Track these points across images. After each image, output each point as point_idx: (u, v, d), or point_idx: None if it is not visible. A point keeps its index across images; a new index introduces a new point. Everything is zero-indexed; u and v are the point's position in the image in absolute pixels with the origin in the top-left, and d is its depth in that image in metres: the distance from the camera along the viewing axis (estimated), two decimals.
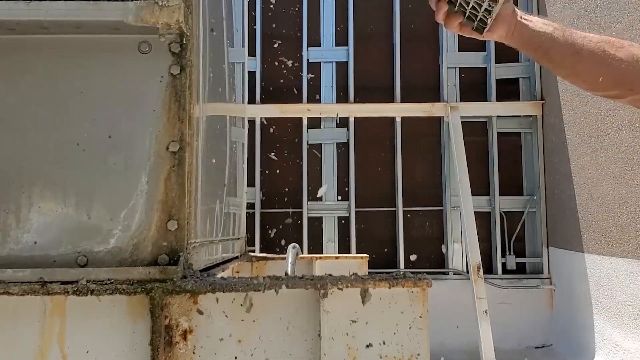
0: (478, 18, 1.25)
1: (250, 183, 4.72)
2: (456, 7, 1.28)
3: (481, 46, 4.94)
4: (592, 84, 1.27)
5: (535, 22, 1.26)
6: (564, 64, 1.26)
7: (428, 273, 1.16)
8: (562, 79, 1.33)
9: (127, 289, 1.10)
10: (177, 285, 1.10)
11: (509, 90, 4.92)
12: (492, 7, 1.18)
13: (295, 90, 4.94)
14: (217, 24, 1.65)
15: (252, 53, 4.83)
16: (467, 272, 4.44)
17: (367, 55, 5.01)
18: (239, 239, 2.15)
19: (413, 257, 4.81)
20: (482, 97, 4.91)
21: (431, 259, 4.84)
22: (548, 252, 4.69)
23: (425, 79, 4.98)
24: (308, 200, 4.83)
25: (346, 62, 4.99)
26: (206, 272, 1.28)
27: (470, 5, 1.23)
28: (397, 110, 4.88)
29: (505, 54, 4.89)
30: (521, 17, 1.26)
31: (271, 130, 4.93)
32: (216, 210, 1.60)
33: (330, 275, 1.13)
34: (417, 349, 1.11)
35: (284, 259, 2.15)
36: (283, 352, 1.11)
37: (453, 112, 4.71)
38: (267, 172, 4.89)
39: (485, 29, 1.26)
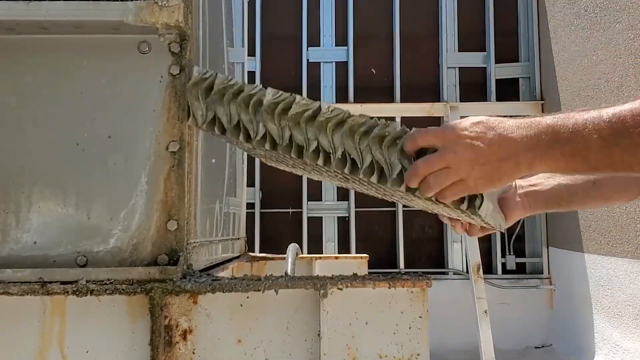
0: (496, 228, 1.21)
1: (250, 183, 4.72)
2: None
3: (481, 46, 4.94)
4: (625, 197, 1.21)
5: (540, 183, 1.23)
6: (592, 199, 1.21)
7: (428, 273, 1.16)
8: (603, 207, 1.25)
9: (126, 289, 1.10)
10: (177, 285, 1.10)
11: (508, 90, 4.92)
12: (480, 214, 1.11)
13: (295, 90, 4.94)
14: (216, 24, 1.65)
15: (251, 53, 4.84)
16: (467, 272, 4.44)
17: (367, 55, 5.01)
18: (238, 239, 2.15)
19: (413, 257, 4.81)
20: (482, 97, 4.91)
21: (431, 259, 4.84)
22: (548, 252, 4.69)
23: (425, 79, 4.98)
24: (308, 200, 4.83)
25: (346, 62, 4.99)
26: (206, 272, 1.28)
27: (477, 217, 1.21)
28: (397, 110, 4.88)
29: (505, 54, 4.89)
30: (526, 187, 1.22)
31: None
32: (216, 210, 1.60)
33: (330, 275, 1.13)
34: (416, 349, 1.11)
35: (283, 259, 2.15)
36: (283, 352, 1.11)
37: (453, 112, 4.71)
38: (266, 172, 4.89)
39: (502, 226, 1.21)
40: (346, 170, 0.98)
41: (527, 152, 0.86)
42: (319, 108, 0.97)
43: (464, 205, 0.95)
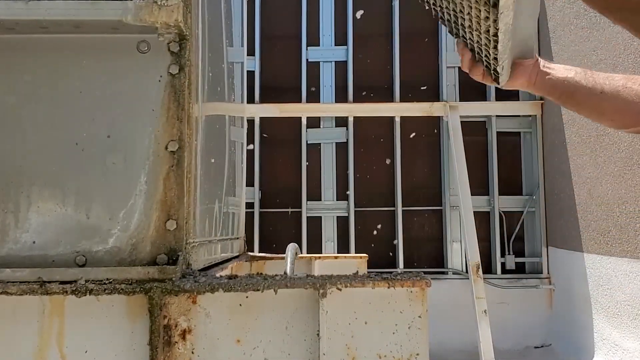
0: (492, 68, 1.24)
1: (249, 182, 4.72)
2: (477, 56, 1.27)
3: None
4: (618, 121, 1.27)
5: (557, 69, 1.27)
6: (589, 105, 1.27)
7: (427, 273, 1.16)
8: (590, 120, 1.34)
9: (125, 289, 1.10)
10: (176, 285, 1.10)
11: (508, 90, 4.92)
12: (497, 57, 1.17)
13: (294, 89, 4.94)
14: (216, 24, 1.65)
15: (251, 52, 4.83)
16: (467, 271, 4.44)
17: (367, 54, 5.01)
18: (237, 238, 2.15)
19: (412, 257, 4.82)
20: (482, 96, 4.91)
21: (430, 258, 4.84)
22: (547, 252, 4.69)
23: (425, 78, 4.98)
24: (307, 200, 4.83)
25: (345, 62, 4.99)
26: (205, 271, 1.28)
27: (483, 54, 1.22)
28: (397, 110, 4.88)
29: None
30: (543, 66, 1.27)
31: (270, 129, 4.93)
32: (215, 209, 1.60)
33: (329, 275, 1.13)
34: (416, 349, 1.11)
35: (283, 258, 2.15)
36: (282, 352, 1.11)
37: (452, 111, 4.71)
38: (266, 171, 4.89)
39: (501, 80, 1.25)
40: None
41: None
42: None
43: None
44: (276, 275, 1.15)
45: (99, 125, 1.17)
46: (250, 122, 4.74)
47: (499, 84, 1.28)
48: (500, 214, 4.76)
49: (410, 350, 1.11)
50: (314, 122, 4.95)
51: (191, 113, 1.22)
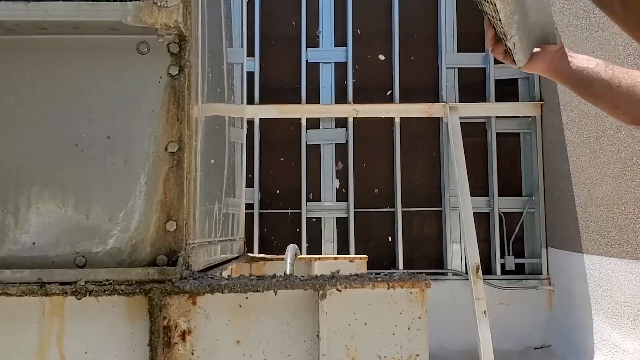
0: (511, 49, 1.25)
1: (249, 184, 4.72)
2: (498, 36, 1.28)
3: (480, 47, 4.94)
4: (630, 116, 1.27)
5: (579, 58, 1.28)
6: (605, 98, 1.27)
7: (427, 274, 1.16)
8: (604, 113, 1.33)
9: (125, 290, 1.10)
10: (176, 286, 1.10)
11: (508, 90, 4.93)
12: (512, 39, 1.19)
13: (294, 90, 4.94)
14: (215, 25, 1.65)
15: (251, 54, 4.83)
16: (466, 272, 4.44)
17: (366, 56, 5.01)
18: (237, 239, 2.15)
19: (412, 258, 4.82)
20: (481, 97, 4.91)
21: (430, 259, 4.84)
22: (547, 253, 4.69)
23: (424, 79, 4.98)
24: (307, 201, 4.83)
25: (345, 63, 4.99)
26: (205, 272, 1.28)
27: (503, 34, 1.23)
28: (396, 111, 4.88)
29: None
30: (567, 54, 1.28)
31: (270, 130, 4.93)
32: (215, 211, 1.60)
33: (329, 275, 1.13)
34: (415, 350, 1.11)
35: (282, 259, 2.15)
36: (282, 352, 1.11)
37: (452, 112, 4.71)
38: (265, 172, 4.89)
39: (516, 59, 1.26)
40: None
41: None
42: None
43: None
44: (276, 276, 1.15)
45: (98, 126, 1.17)
46: (250, 123, 4.74)
47: (520, 63, 1.28)
48: (500, 215, 4.76)
49: (410, 351, 1.11)
50: (313, 123, 4.95)
51: (191, 114, 1.22)
